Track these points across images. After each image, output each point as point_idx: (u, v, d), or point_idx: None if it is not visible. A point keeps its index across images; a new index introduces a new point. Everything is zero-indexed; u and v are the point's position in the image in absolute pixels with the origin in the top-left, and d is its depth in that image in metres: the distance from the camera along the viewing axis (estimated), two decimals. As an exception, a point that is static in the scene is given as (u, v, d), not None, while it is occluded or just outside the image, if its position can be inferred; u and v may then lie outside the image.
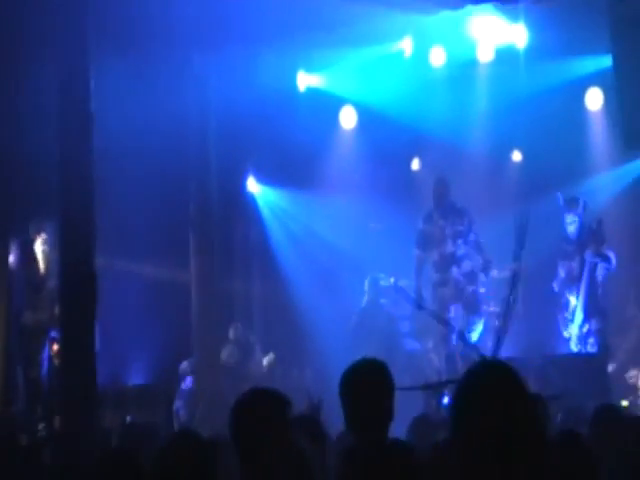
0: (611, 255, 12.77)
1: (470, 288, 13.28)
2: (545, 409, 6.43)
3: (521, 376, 3.27)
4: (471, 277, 13.30)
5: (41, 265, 12.48)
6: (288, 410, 4.30)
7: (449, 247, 13.23)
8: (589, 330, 12.85)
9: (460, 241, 13.22)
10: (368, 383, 4.52)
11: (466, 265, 13.28)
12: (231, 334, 14.50)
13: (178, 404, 13.33)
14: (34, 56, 11.30)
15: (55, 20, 10.38)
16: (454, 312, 13.24)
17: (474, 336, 13.13)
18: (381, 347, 12.91)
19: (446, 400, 11.23)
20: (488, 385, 3.24)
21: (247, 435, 4.20)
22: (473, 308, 13.29)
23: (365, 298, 14.97)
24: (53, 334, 12.39)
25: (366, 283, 15.03)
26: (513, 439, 3.15)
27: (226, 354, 14.21)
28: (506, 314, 11.62)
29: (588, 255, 12.68)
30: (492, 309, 13.84)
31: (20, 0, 11.22)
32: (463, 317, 13.25)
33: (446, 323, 12.51)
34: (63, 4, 10.29)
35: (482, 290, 13.51)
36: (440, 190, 13.28)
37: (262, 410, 4.25)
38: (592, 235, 12.71)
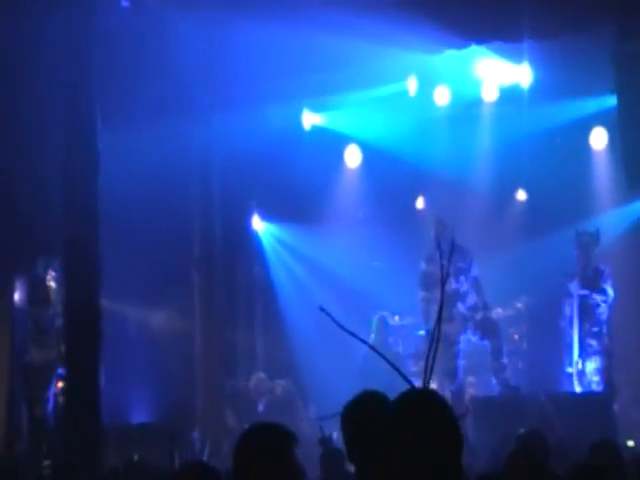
0: (607, 288, 12.79)
1: (479, 315, 13.24)
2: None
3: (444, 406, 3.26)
4: (476, 309, 13.30)
5: (51, 303, 12.50)
6: (293, 444, 4.21)
7: (452, 285, 13.22)
8: (594, 368, 12.85)
9: (462, 278, 13.22)
10: (368, 415, 4.45)
11: (470, 299, 13.28)
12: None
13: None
14: (40, 95, 11.35)
15: (62, 58, 10.48)
16: (463, 344, 13.29)
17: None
18: (386, 387, 12.85)
19: None
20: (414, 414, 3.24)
21: (244, 468, 4.13)
22: (489, 331, 13.25)
23: (372, 336, 14.92)
24: (60, 371, 12.40)
25: (374, 322, 14.96)
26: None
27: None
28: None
29: (575, 288, 12.72)
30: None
31: (27, 39, 11.25)
32: (477, 342, 13.32)
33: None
34: (71, 45, 10.39)
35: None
36: (440, 231, 13.27)
37: (261, 444, 4.18)
38: (599, 277, 12.79)
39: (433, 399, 3.29)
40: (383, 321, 15.03)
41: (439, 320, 3.99)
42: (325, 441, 8.30)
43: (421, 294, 13.43)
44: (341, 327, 4.38)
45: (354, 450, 4.46)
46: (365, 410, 4.51)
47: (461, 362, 13.29)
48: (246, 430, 4.30)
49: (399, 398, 3.32)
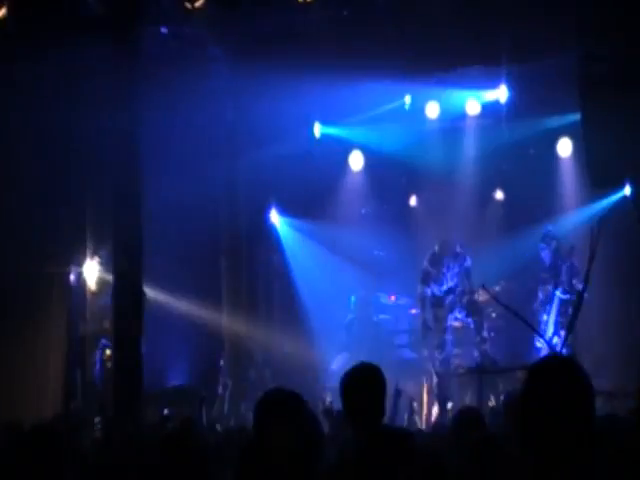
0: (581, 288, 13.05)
1: (465, 299, 13.57)
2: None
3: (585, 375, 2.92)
4: (463, 294, 13.60)
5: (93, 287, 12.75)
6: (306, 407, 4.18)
7: (447, 284, 13.56)
8: (562, 343, 13.08)
9: (456, 278, 13.54)
10: (364, 382, 4.58)
11: (460, 288, 13.59)
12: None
13: None
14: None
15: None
16: (450, 321, 13.61)
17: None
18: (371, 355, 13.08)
19: None
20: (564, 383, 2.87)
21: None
22: (472, 311, 13.57)
23: (350, 315, 15.15)
24: (103, 342, 12.66)
25: (352, 300, 15.24)
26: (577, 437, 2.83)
27: None
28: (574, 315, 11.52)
29: (560, 289, 13.01)
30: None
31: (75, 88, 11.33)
32: (463, 319, 13.65)
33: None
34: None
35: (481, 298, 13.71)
36: (444, 248, 13.61)
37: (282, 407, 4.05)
38: (565, 265, 13.02)
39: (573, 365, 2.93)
40: (365, 299, 15.26)
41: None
42: (328, 412, 8.35)
43: (420, 287, 13.74)
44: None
45: (354, 416, 4.55)
46: (362, 379, 4.60)
47: (449, 337, 13.59)
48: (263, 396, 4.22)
49: (550, 367, 2.95)
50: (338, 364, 14.18)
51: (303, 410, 3.78)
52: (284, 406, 3.81)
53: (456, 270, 13.54)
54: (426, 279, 13.63)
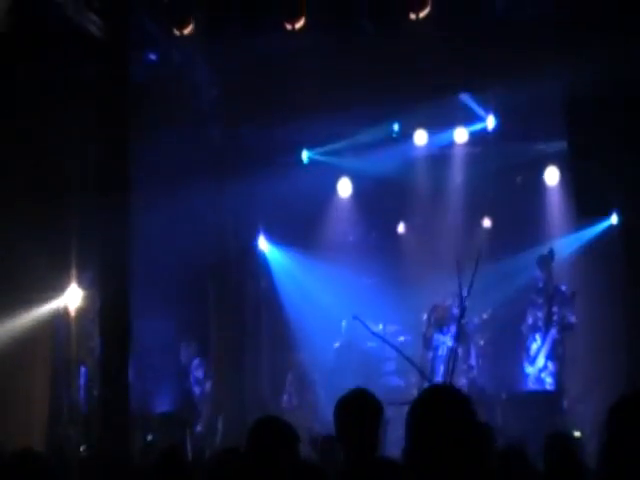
0: (574, 321, 13.09)
1: (454, 327, 13.47)
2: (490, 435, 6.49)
3: (465, 401, 3.13)
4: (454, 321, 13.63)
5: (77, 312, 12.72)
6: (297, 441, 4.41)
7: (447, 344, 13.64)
8: (549, 372, 13.09)
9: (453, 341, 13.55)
10: (358, 408, 4.55)
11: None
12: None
13: None
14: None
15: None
16: (441, 350, 13.63)
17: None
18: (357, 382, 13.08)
19: None
20: (438, 407, 3.10)
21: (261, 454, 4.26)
22: (461, 339, 13.48)
23: (339, 341, 15.09)
24: (83, 370, 12.62)
25: (343, 325, 15.17)
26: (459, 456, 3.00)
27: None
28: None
29: (553, 313, 13.01)
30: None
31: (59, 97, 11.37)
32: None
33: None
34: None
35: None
36: (438, 314, 13.67)
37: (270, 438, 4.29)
38: (561, 296, 13.04)
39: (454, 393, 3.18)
40: (353, 325, 15.15)
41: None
42: (314, 441, 8.28)
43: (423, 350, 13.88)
44: (371, 332, 4.37)
45: (346, 439, 4.53)
46: (357, 405, 4.57)
47: (439, 364, 13.59)
48: (258, 423, 4.38)
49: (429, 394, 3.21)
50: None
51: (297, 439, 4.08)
52: (285, 432, 4.12)
53: (453, 331, 13.51)
54: (427, 344, 13.68)
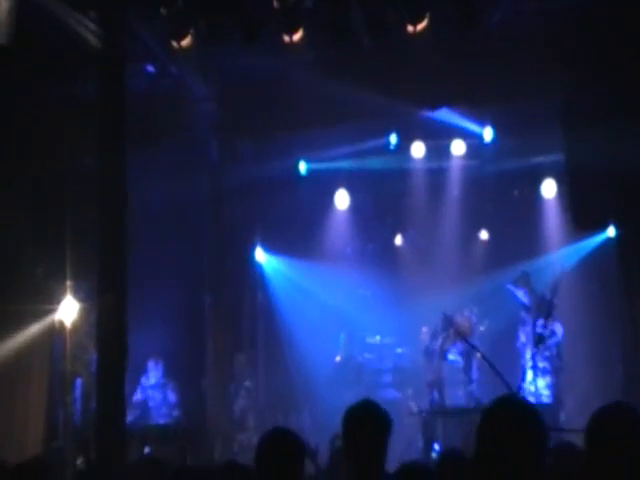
0: (557, 329, 13.08)
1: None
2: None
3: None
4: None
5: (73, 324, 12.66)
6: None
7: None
8: (545, 385, 13.09)
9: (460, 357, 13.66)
10: (366, 421, 4.50)
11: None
12: None
13: None
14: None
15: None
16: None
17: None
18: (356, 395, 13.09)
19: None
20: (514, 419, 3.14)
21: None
22: (464, 354, 13.63)
23: (340, 354, 15.06)
24: (79, 382, 12.57)
25: (341, 338, 15.14)
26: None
27: None
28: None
29: (538, 327, 13.02)
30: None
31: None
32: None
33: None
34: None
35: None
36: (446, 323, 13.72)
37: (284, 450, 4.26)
38: (543, 305, 13.04)
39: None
40: (350, 337, 15.20)
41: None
42: (312, 452, 8.27)
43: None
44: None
45: (354, 450, 4.47)
46: (364, 415, 4.53)
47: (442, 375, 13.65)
48: (265, 436, 4.34)
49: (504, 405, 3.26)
50: None
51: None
52: (297, 443, 4.18)
53: (460, 349, 13.53)
54: (443, 356, 13.73)
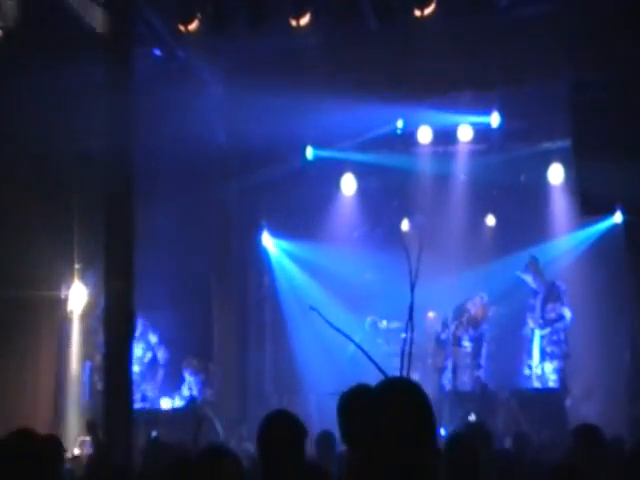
0: (566, 313, 13.08)
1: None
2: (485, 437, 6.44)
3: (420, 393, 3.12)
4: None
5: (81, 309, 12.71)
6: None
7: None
8: (552, 369, 13.10)
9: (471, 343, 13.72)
10: (361, 404, 4.16)
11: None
12: None
13: None
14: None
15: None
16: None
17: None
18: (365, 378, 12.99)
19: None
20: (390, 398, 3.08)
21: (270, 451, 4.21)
22: (474, 339, 13.68)
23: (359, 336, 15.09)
24: (90, 365, 12.61)
25: (366, 324, 15.15)
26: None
27: None
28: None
29: (546, 311, 13.02)
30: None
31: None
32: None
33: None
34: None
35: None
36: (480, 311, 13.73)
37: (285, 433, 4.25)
38: (551, 291, 13.04)
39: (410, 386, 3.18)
40: (374, 325, 15.21)
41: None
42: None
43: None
44: (331, 325, 4.35)
45: (348, 436, 4.38)
46: (359, 400, 4.42)
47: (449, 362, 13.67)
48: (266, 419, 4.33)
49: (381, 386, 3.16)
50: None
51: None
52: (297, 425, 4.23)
53: (472, 335, 13.55)
54: (457, 342, 13.75)
